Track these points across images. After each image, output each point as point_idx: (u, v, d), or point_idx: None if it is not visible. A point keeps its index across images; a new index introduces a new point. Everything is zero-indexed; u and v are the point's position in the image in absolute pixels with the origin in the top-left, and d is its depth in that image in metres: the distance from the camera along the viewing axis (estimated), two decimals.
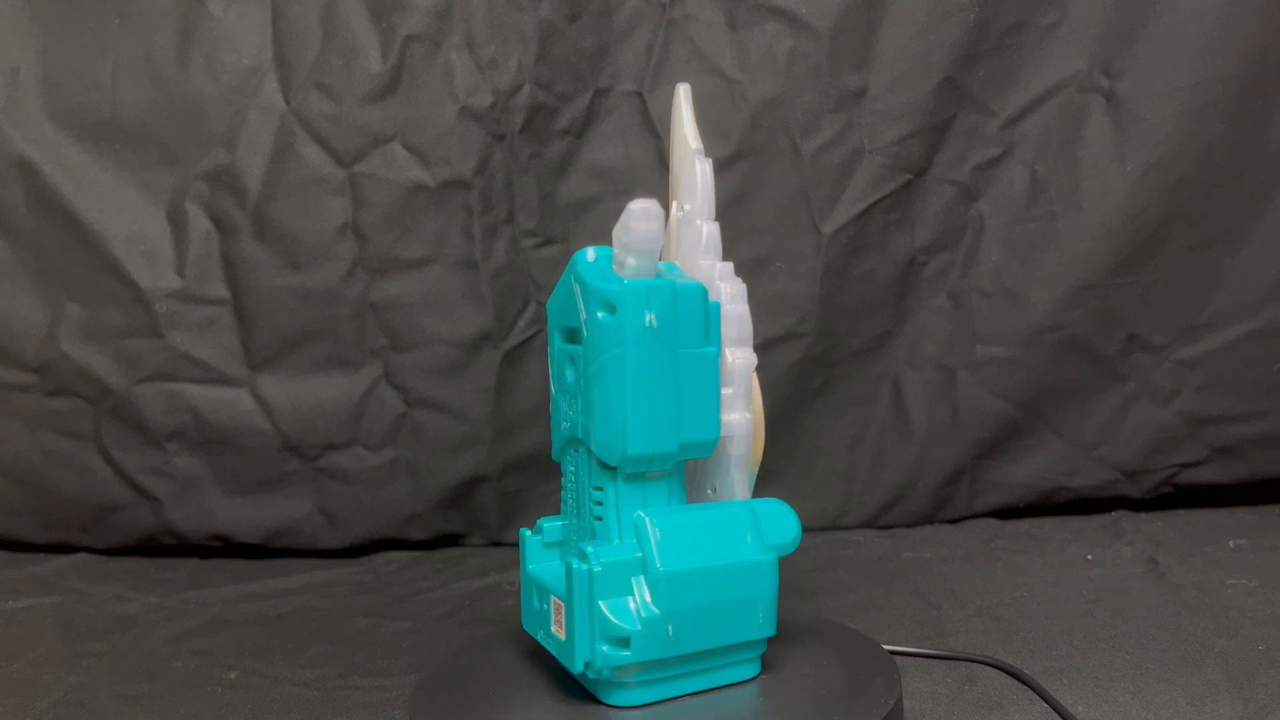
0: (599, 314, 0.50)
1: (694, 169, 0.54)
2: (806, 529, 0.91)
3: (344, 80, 0.86)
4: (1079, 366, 0.88)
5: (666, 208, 0.56)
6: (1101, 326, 0.87)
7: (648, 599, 0.50)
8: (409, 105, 0.86)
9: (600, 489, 0.52)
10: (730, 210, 0.87)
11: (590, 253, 0.52)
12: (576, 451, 0.53)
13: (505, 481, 0.91)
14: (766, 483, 0.91)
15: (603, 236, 0.90)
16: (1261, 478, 0.89)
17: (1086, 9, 0.85)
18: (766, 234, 0.87)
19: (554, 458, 0.56)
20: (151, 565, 0.91)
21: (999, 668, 0.61)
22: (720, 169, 0.87)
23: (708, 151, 0.87)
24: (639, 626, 0.50)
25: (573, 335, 0.53)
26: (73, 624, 0.77)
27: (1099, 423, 0.89)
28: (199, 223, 0.88)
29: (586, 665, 0.50)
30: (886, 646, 0.60)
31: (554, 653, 0.53)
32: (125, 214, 0.89)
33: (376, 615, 0.76)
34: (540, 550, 0.56)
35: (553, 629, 0.53)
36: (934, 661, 0.62)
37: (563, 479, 0.55)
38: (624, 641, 0.50)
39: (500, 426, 0.90)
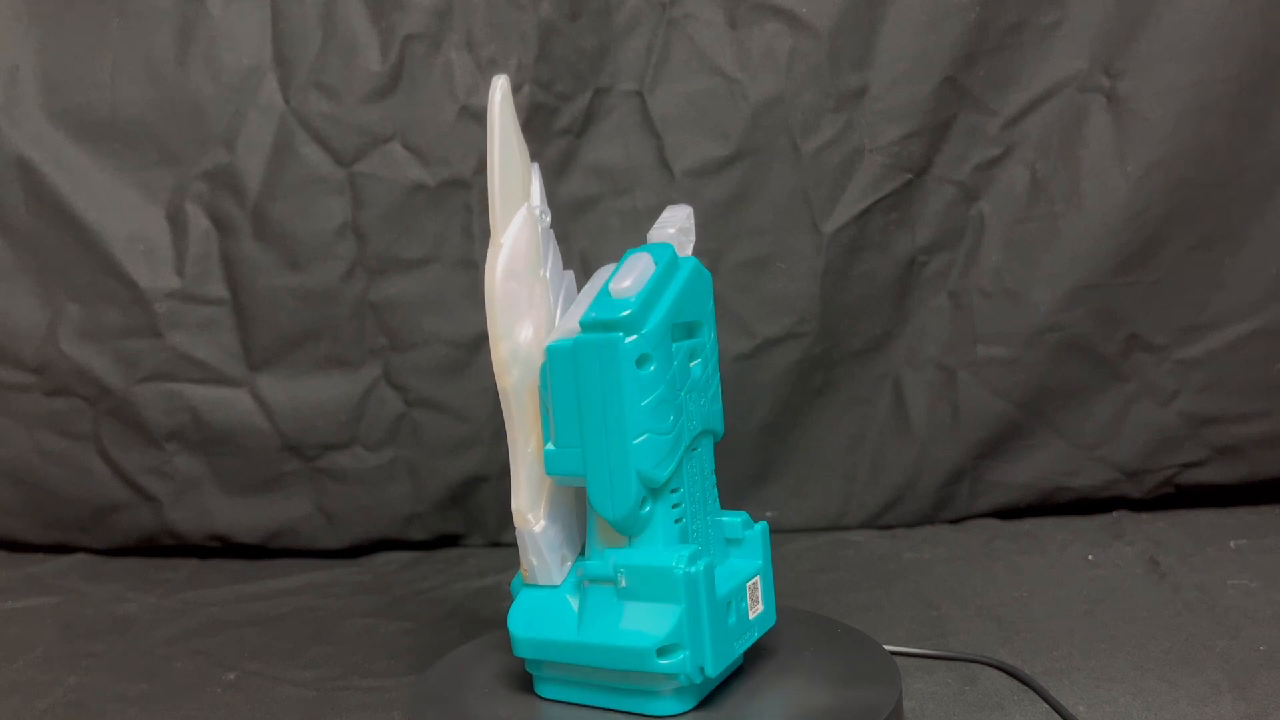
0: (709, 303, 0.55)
1: (536, 175, 0.55)
2: (807, 529, 0.90)
3: (344, 80, 0.86)
4: (1079, 366, 0.88)
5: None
6: (1102, 326, 0.87)
7: None
8: (409, 105, 0.86)
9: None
10: (730, 210, 0.87)
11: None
12: (694, 450, 0.53)
13: (505, 481, 0.90)
14: (767, 483, 0.91)
15: (603, 236, 0.90)
16: (1262, 478, 0.89)
17: (1087, 8, 0.84)
18: (766, 234, 0.87)
19: (663, 478, 0.51)
20: (151, 565, 0.91)
21: (1000, 668, 0.60)
22: (720, 169, 0.87)
23: (708, 151, 0.88)
24: None
25: (689, 330, 0.54)
26: (72, 624, 0.77)
27: (1099, 423, 0.88)
28: (198, 222, 0.88)
29: None
30: (887, 646, 0.60)
31: (754, 642, 0.54)
32: (124, 214, 0.88)
33: (376, 616, 0.76)
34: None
35: (752, 616, 0.54)
36: (935, 662, 0.62)
37: (672, 495, 0.52)
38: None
39: (500, 426, 0.89)
